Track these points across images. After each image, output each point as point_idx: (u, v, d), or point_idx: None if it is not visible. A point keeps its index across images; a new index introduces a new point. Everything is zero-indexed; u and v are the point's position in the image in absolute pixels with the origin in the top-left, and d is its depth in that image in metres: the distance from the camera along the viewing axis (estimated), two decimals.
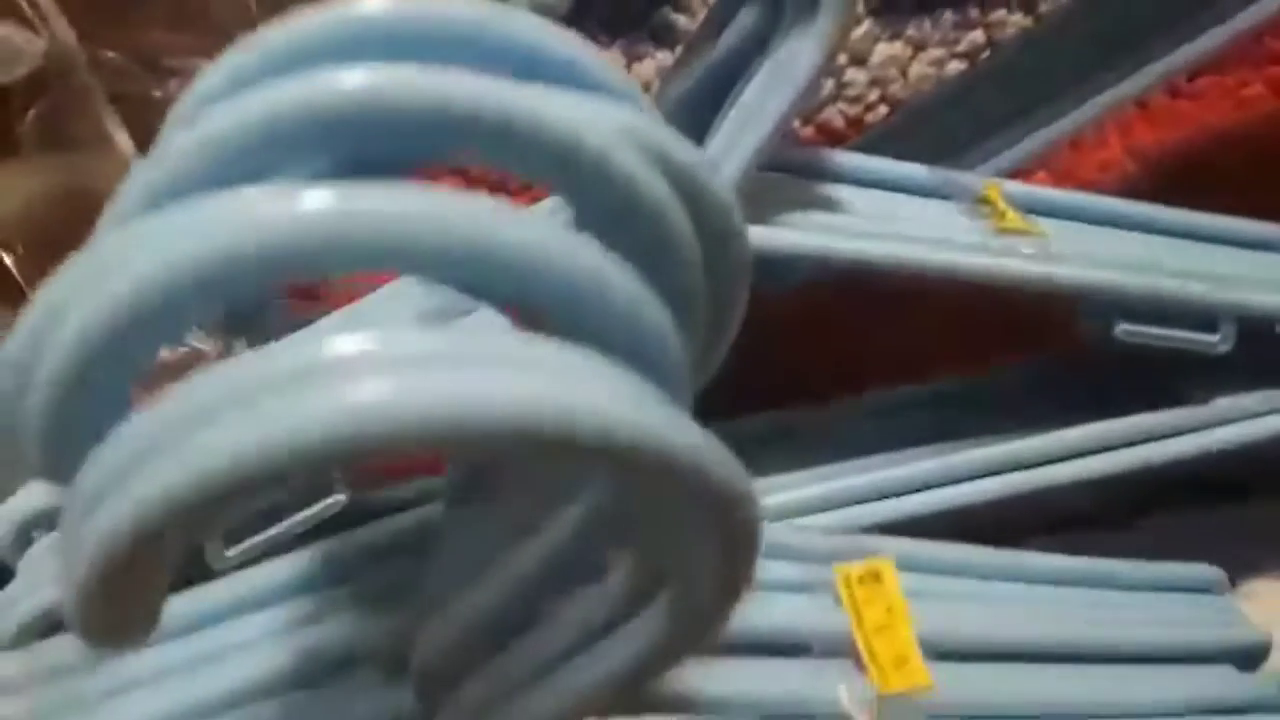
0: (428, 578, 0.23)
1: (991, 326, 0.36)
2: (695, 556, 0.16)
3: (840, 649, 0.27)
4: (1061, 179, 0.45)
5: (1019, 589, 0.31)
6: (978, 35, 0.43)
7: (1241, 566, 0.37)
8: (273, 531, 0.30)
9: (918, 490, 0.33)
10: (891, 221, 0.30)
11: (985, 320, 0.36)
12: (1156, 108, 0.44)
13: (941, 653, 0.27)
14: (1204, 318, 0.32)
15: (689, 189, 0.16)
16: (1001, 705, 0.28)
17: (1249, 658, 0.31)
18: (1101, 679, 0.29)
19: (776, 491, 0.33)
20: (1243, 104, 0.44)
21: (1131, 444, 0.34)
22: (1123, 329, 0.32)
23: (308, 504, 0.30)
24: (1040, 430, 0.34)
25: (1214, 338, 0.32)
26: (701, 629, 0.18)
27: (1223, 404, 0.35)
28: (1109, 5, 0.40)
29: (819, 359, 0.37)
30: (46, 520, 0.33)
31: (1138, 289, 0.31)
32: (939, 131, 0.41)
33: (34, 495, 0.33)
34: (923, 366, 0.37)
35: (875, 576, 0.28)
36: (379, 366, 0.13)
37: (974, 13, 0.42)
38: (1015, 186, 0.35)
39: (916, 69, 0.43)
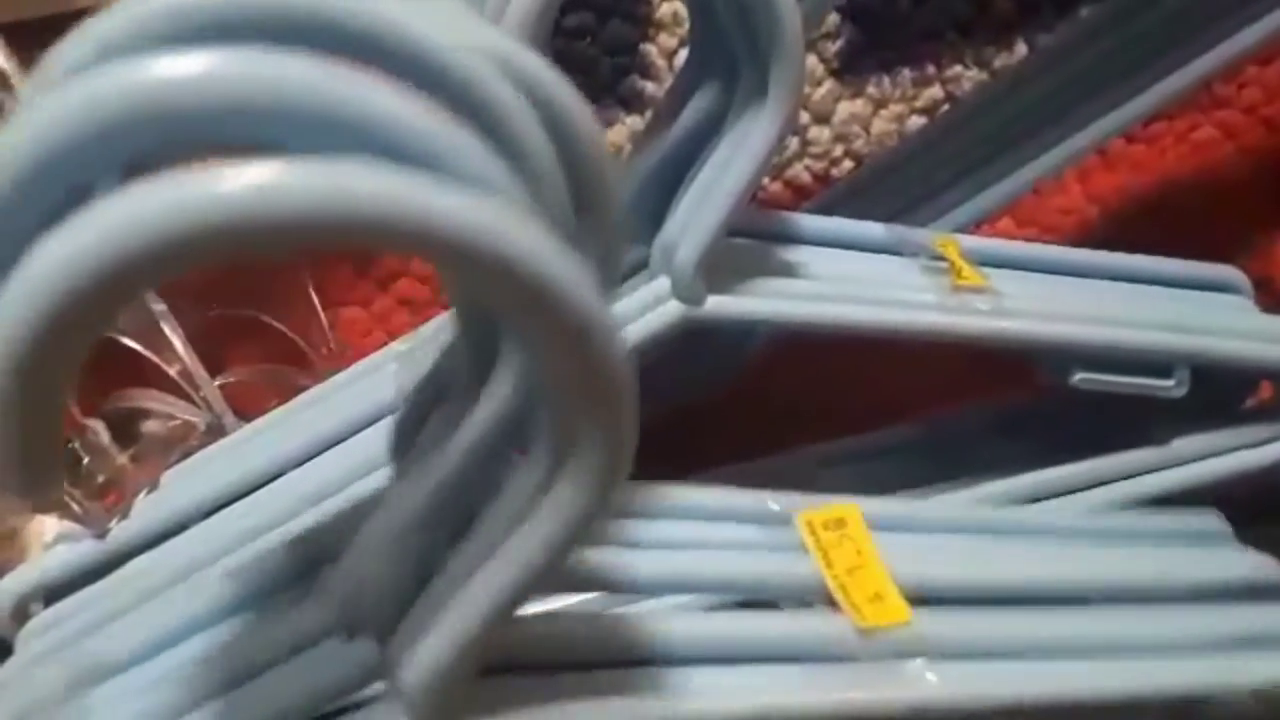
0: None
1: (956, 373, 0.37)
2: (563, 381, 0.18)
3: (813, 594, 0.26)
4: (1023, 224, 0.46)
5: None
6: (936, 91, 0.44)
7: None
8: None
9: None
10: (849, 282, 0.32)
11: (950, 367, 0.37)
12: (1113, 153, 0.45)
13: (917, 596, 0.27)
14: (1159, 364, 0.33)
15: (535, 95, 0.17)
16: (984, 642, 0.27)
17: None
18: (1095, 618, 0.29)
19: None
20: (1196, 147, 0.45)
21: (1097, 485, 0.36)
22: (1079, 378, 0.33)
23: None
24: (1007, 473, 0.36)
25: (1169, 382, 0.33)
26: (604, 467, 0.19)
27: (1181, 444, 0.36)
28: (1062, 59, 0.42)
29: (785, 408, 0.39)
30: (44, 594, 0.34)
31: (1091, 341, 0.32)
32: (902, 185, 0.42)
33: (31, 570, 0.34)
34: (888, 412, 0.38)
35: (840, 522, 0.28)
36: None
37: (931, 69, 0.44)
38: (971, 240, 0.36)
39: (878, 125, 0.45)
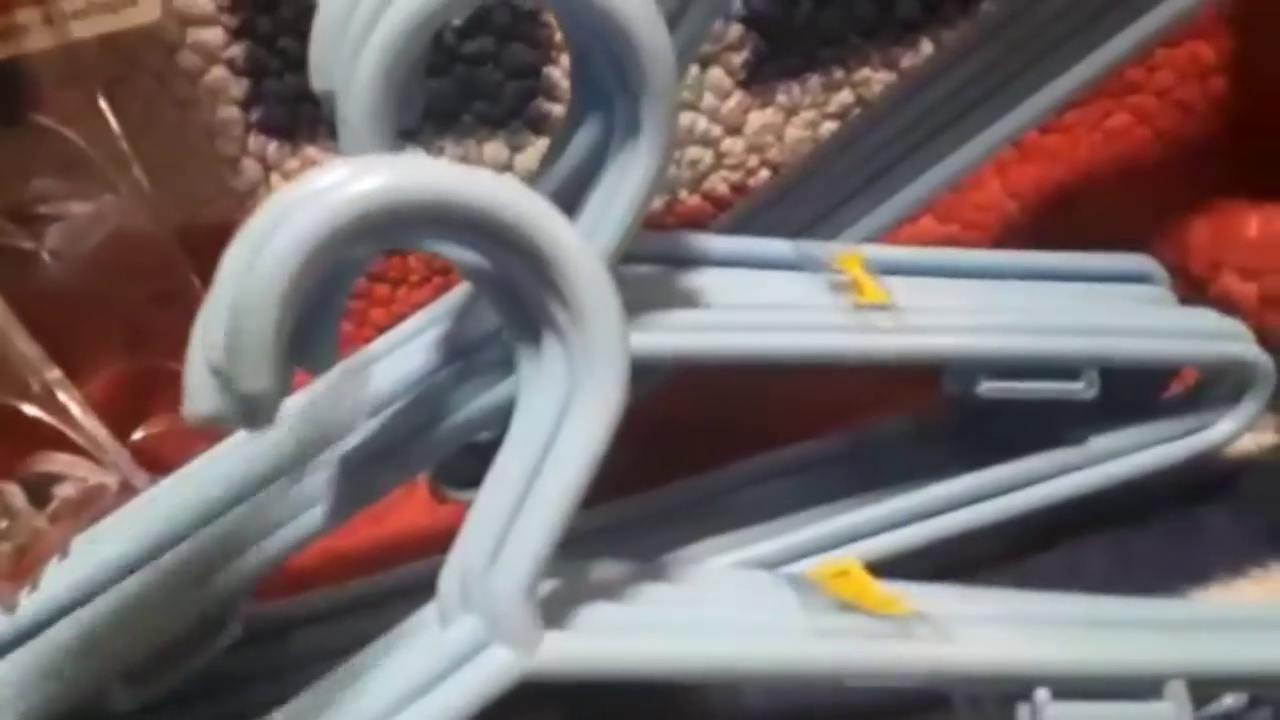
0: None
1: (870, 384, 0.37)
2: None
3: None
4: (944, 221, 0.46)
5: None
6: (846, 95, 0.44)
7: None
8: (176, 670, 0.31)
9: (827, 549, 0.35)
10: (750, 308, 0.31)
11: (863, 379, 0.37)
12: (1028, 145, 0.45)
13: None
14: (1066, 369, 0.33)
15: None
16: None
17: None
18: None
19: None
20: (1110, 135, 0.45)
21: (1018, 488, 0.36)
22: (986, 387, 0.33)
23: (207, 641, 0.31)
24: (925, 482, 0.36)
25: (1079, 385, 0.33)
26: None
27: (1099, 442, 0.36)
28: (970, 54, 0.41)
29: (697, 427, 0.38)
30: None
31: (995, 351, 0.32)
32: (821, 190, 0.42)
33: None
34: (802, 427, 0.38)
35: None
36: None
37: (839, 74, 0.44)
38: (878, 250, 0.36)
39: (791, 132, 0.44)
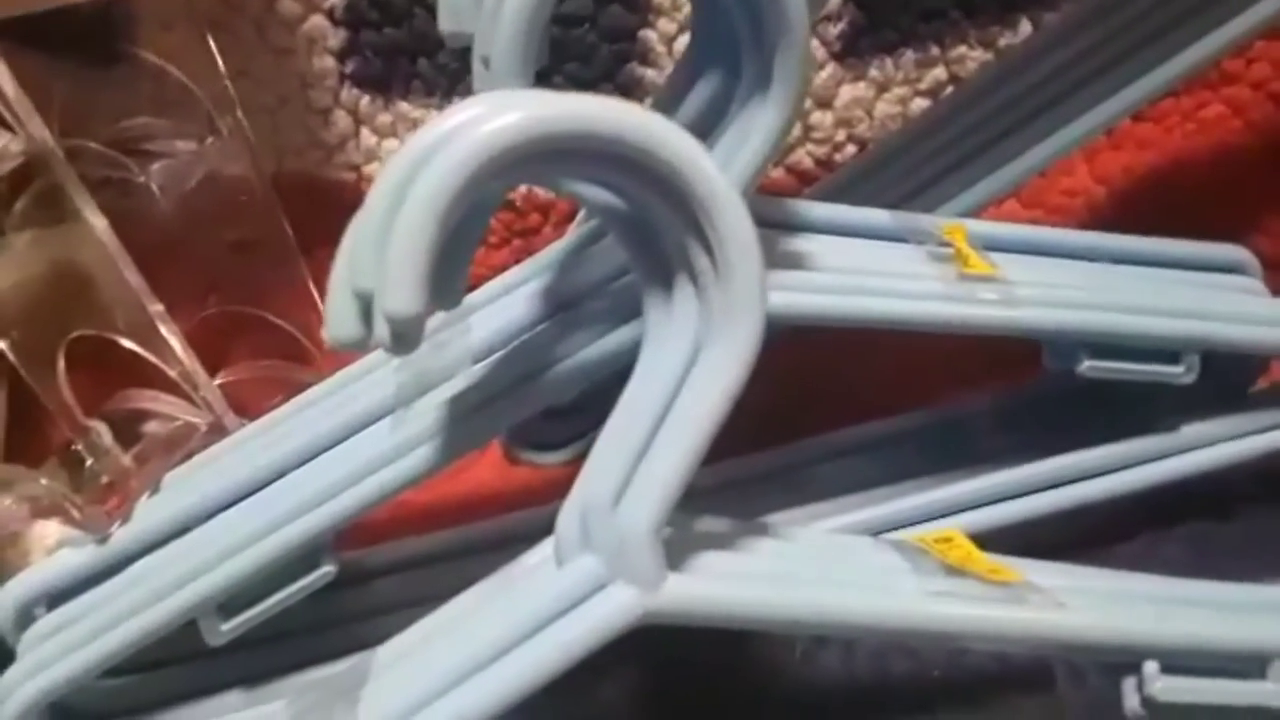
0: None
1: (966, 358, 0.37)
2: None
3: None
4: (1030, 206, 0.46)
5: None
6: (940, 72, 0.44)
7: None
8: (267, 604, 0.31)
9: (916, 523, 0.35)
10: (856, 272, 0.31)
11: (959, 353, 0.36)
12: (1120, 132, 0.45)
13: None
14: (1167, 351, 0.33)
15: None
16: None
17: None
18: None
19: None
20: (1203, 125, 0.45)
21: (1108, 472, 0.36)
22: (1087, 365, 0.32)
23: (300, 576, 0.31)
24: (1015, 462, 0.35)
25: (1178, 369, 0.33)
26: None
27: (1190, 429, 0.35)
28: (1068, 37, 0.41)
29: (793, 396, 0.38)
30: (47, 599, 0.34)
31: (1100, 328, 0.32)
32: (907, 169, 0.42)
33: (34, 574, 0.33)
34: (897, 399, 0.38)
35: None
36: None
37: (934, 50, 0.43)
38: (978, 225, 0.35)
39: (881, 108, 0.44)
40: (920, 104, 0.44)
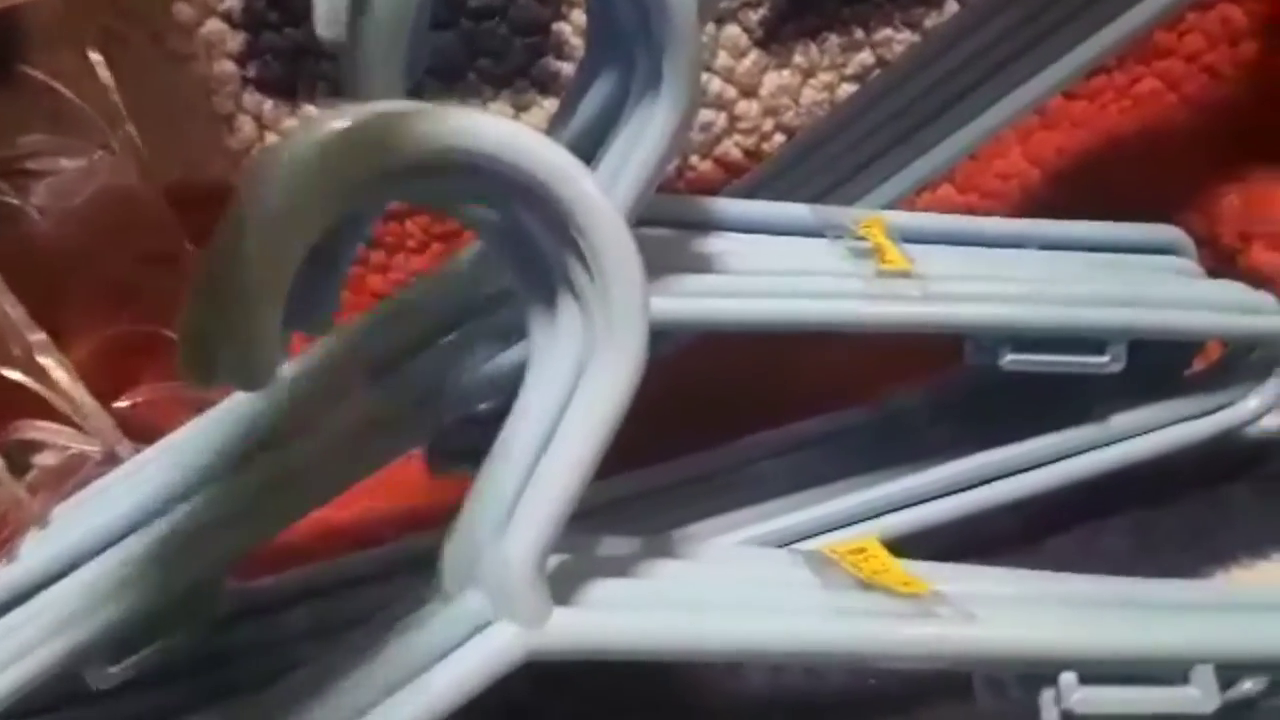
0: None
1: (889, 354, 0.36)
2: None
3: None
4: (964, 190, 0.45)
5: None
6: (866, 56, 0.42)
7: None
8: (148, 650, 0.30)
9: (843, 526, 0.34)
10: (767, 273, 0.30)
11: (882, 349, 0.36)
12: (1053, 111, 0.44)
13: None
14: (1091, 341, 0.32)
15: None
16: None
17: None
18: None
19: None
20: (1138, 101, 0.44)
21: (1038, 465, 0.35)
22: (1009, 359, 0.31)
23: (191, 616, 0.30)
24: (941, 458, 0.34)
25: (1104, 359, 0.32)
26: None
27: (1121, 420, 0.35)
28: (994, 13, 0.40)
29: (713, 397, 0.37)
30: None
31: (1019, 321, 0.31)
32: (837, 156, 0.40)
33: None
34: (820, 397, 0.37)
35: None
36: None
37: (859, 34, 0.42)
38: (897, 216, 0.34)
39: (808, 95, 0.43)
40: (847, 89, 0.43)
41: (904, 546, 0.29)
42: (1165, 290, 0.34)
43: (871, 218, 0.33)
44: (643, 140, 0.27)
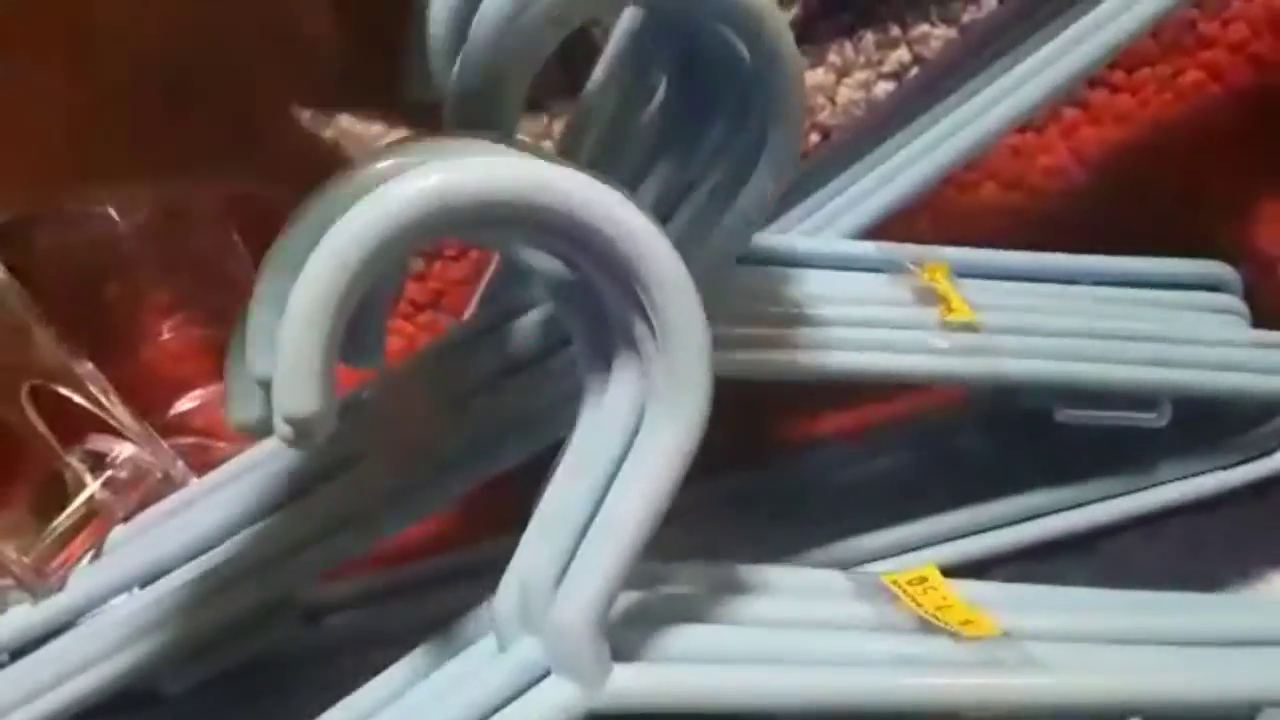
0: None
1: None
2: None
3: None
4: (1008, 188, 0.44)
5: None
6: (902, 53, 0.41)
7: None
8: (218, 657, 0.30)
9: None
10: (841, 324, 0.31)
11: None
12: (1097, 105, 0.43)
13: None
14: (1143, 399, 0.33)
15: None
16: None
17: None
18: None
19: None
20: (1181, 93, 0.43)
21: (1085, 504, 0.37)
22: (1064, 414, 0.33)
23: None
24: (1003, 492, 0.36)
25: (1152, 415, 0.34)
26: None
27: (1165, 467, 0.37)
28: (1035, 8, 0.39)
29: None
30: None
31: (1079, 381, 0.32)
32: (876, 155, 0.40)
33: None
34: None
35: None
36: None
37: (895, 31, 0.41)
38: (956, 254, 0.35)
39: (844, 93, 0.42)
40: (885, 87, 0.42)
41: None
42: (1215, 349, 0.35)
43: (935, 263, 0.33)
44: (734, 205, 0.27)
